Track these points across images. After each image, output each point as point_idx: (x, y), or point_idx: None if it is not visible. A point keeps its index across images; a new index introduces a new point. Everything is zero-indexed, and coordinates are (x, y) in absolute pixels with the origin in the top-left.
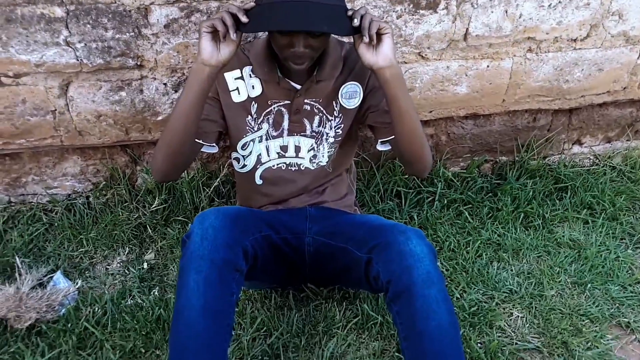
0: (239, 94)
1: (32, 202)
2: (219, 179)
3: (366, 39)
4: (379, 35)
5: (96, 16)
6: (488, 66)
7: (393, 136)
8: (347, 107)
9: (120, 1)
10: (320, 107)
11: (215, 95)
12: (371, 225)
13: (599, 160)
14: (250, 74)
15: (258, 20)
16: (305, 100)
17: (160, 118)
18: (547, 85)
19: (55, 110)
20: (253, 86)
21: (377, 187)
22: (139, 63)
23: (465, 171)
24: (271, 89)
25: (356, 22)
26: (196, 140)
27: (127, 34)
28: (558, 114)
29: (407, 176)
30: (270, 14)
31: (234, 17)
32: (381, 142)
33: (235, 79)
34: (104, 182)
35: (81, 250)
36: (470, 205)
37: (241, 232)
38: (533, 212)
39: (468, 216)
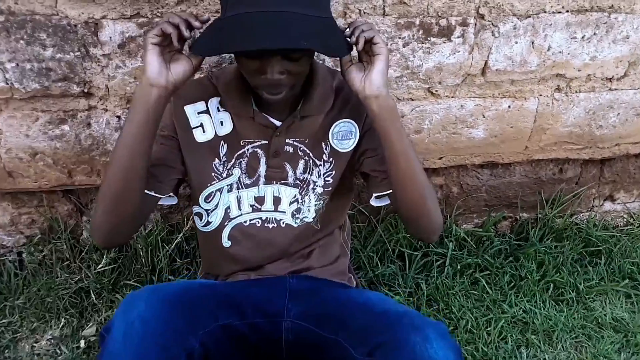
0: (203, 131)
1: None
2: (181, 234)
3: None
4: (371, 55)
5: (32, 30)
6: (509, 106)
7: (391, 190)
8: (340, 149)
9: (64, 13)
10: (305, 149)
11: (171, 133)
12: (373, 311)
13: (634, 220)
14: (218, 107)
15: (216, 39)
16: (287, 140)
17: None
18: (577, 131)
19: None
20: (222, 122)
21: (376, 246)
22: (86, 90)
23: (480, 229)
24: (244, 125)
25: (352, 38)
26: (147, 192)
27: (72, 53)
28: (588, 165)
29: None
30: (232, 30)
31: (186, 25)
32: (376, 196)
33: (199, 113)
34: (40, 235)
35: (3, 321)
36: (488, 272)
37: (186, 325)
38: (563, 283)
39: (486, 285)
